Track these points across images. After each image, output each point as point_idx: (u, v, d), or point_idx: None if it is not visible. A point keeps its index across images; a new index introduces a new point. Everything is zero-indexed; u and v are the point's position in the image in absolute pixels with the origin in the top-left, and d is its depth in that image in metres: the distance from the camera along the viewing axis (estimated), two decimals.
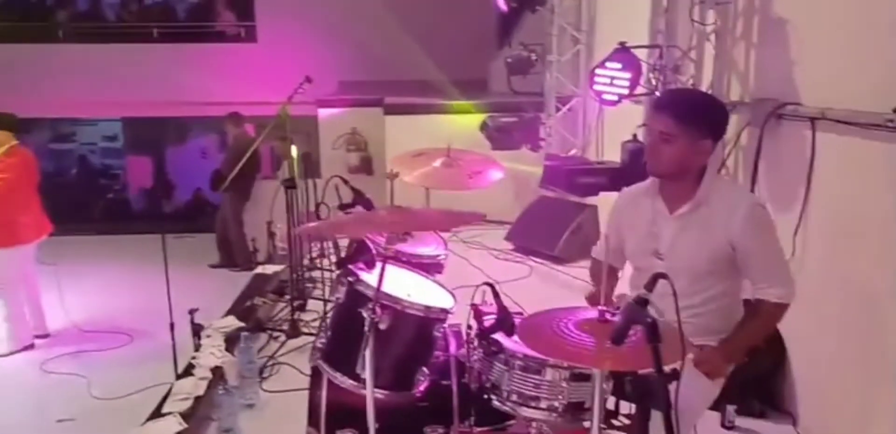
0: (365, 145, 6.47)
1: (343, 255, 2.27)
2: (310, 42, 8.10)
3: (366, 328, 1.79)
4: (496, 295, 1.92)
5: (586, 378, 1.77)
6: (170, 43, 9.11)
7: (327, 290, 3.50)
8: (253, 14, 9.16)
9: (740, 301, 2.00)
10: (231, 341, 3.17)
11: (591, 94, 4.16)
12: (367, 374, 1.79)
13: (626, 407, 1.91)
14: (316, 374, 2.08)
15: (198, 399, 2.70)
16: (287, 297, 3.72)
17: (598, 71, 3.76)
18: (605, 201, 4.11)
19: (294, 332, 3.41)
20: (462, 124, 5.61)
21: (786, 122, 2.77)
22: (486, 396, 1.89)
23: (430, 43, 7.28)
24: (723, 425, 2.62)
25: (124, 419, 2.89)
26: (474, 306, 2.01)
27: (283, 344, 3.32)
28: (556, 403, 1.80)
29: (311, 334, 3.33)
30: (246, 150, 4.80)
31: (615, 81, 3.65)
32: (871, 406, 2.31)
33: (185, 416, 2.56)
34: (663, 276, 1.36)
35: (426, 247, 2.79)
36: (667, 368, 1.33)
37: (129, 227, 8.31)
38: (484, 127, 5.32)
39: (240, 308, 3.68)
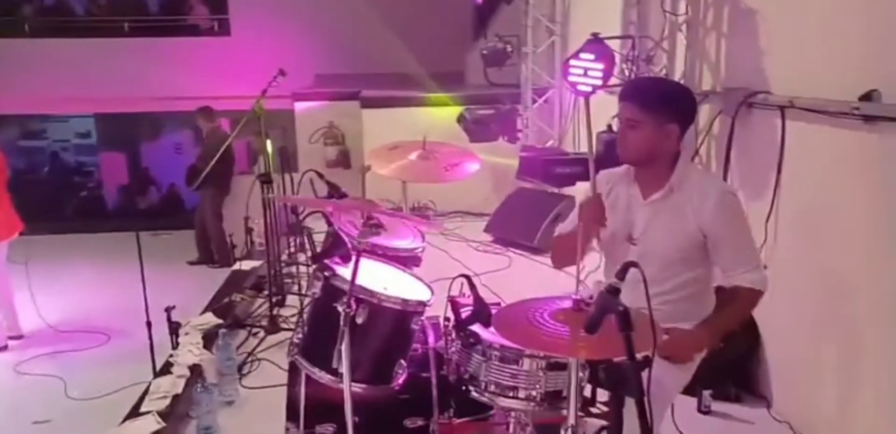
0: (342, 139, 6.43)
1: (318, 249, 2.25)
2: (285, 35, 8.02)
3: (342, 323, 1.78)
4: (472, 287, 1.93)
5: (563, 367, 1.79)
6: (142, 37, 8.96)
7: (306, 284, 3.48)
8: (226, 7, 9.02)
9: (711, 288, 2.03)
10: (209, 338, 3.15)
11: (566, 85, 4.17)
12: (344, 369, 1.79)
13: (603, 394, 1.93)
14: (294, 370, 2.08)
15: (176, 397, 2.68)
16: (266, 292, 3.70)
17: (571, 62, 3.74)
18: (582, 191, 4.13)
19: (273, 327, 3.40)
20: (439, 117, 5.60)
21: (756, 110, 2.81)
22: (464, 388, 1.90)
23: (407, 35, 7.24)
24: (699, 410, 2.66)
25: (102, 419, 2.86)
26: (451, 298, 2.02)
27: (262, 340, 3.31)
28: (534, 393, 1.82)
29: (290, 330, 3.31)
30: (221, 145, 4.74)
31: (589, 72, 3.63)
32: (842, 388, 2.36)
33: (164, 414, 2.54)
34: (634, 264, 1.37)
35: (403, 240, 2.78)
36: (639, 356, 1.34)
37: (104, 225, 8.18)
38: (461, 119, 5.32)
39: (217, 305, 3.65)
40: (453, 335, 2.00)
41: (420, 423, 2.04)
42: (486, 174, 5.38)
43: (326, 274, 1.97)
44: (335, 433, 2.01)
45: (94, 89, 8.31)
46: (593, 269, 2.50)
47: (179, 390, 2.73)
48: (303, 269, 3.87)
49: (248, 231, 4.47)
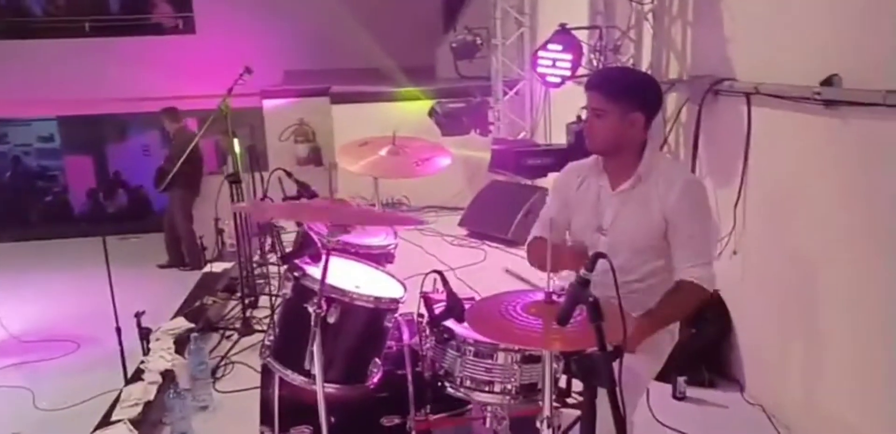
0: (313, 136, 6.36)
1: (289, 249, 2.21)
2: (252, 32, 7.90)
3: (313, 323, 1.75)
4: (445, 282, 1.91)
5: (537, 359, 1.79)
6: (103, 37, 8.74)
7: (278, 285, 3.43)
8: (190, 4, 8.85)
9: None
10: (181, 343, 3.09)
11: (536, 76, 4.17)
12: (317, 370, 1.76)
13: (579, 385, 1.93)
14: (267, 372, 2.04)
15: (148, 404, 2.63)
16: (238, 294, 3.64)
17: (540, 53, 3.77)
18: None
19: (247, 330, 3.34)
20: (411, 111, 5.57)
21: (722, 97, 2.83)
22: (440, 384, 1.89)
23: (376, 30, 7.17)
24: (674, 396, 2.68)
25: (72, 430, 2.80)
26: (424, 295, 2.00)
27: (235, 343, 3.25)
28: (510, 386, 1.82)
29: (264, 331, 3.26)
30: (188, 145, 4.65)
31: (557, 63, 3.66)
32: (810, 371, 2.40)
33: (136, 422, 2.49)
34: (602, 255, 1.37)
35: (375, 237, 2.75)
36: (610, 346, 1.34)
37: (71, 230, 8.00)
38: (432, 113, 5.29)
39: (189, 308, 3.58)
40: (427, 331, 1.98)
41: (397, 421, 2.02)
42: (458, 168, 5.37)
43: (296, 274, 1.94)
44: None
45: (55, 92, 8.11)
46: None
47: (151, 397, 2.67)
48: (275, 269, 3.81)
49: (219, 232, 4.39)
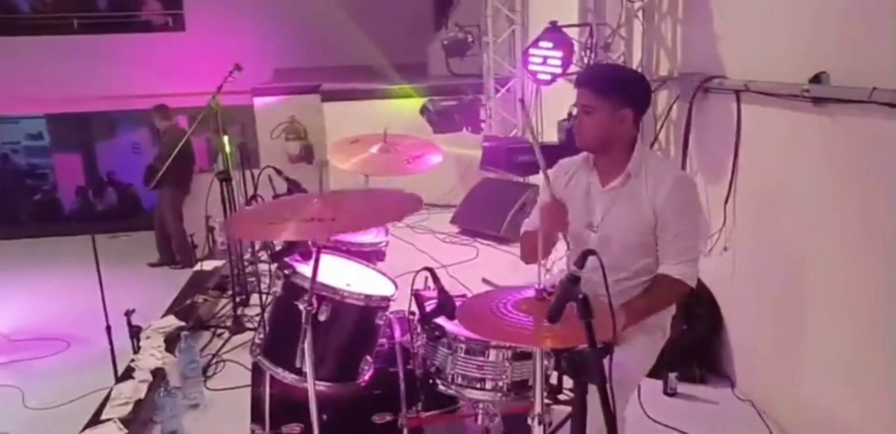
0: (304, 134, 6.33)
1: (278, 247, 2.20)
2: (242, 29, 7.86)
3: (303, 321, 1.75)
4: (436, 279, 1.91)
5: (528, 356, 1.79)
6: (92, 34, 8.66)
7: (269, 283, 3.42)
8: (180, 2, 8.78)
9: None
10: (171, 341, 3.08)
11: (526, 74, 4.17)
12: (308, 368, 1.76)
13: (570, 381, 1.94)
14: (257, 370, 2.04)
15: (139, 403, 2.61)
16: (229, 292, 3.63)
17: (531, 51, 3.77)
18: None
19: (238, 327, 3.33)
20: (402, 108, 5.56)
21: (712, 95, 2.84)
22: (431, 381, 1.89)
23: (367, 27, 7.16)
24: (665, 392, 2.70)
25: (62, 429, 2.77)
26: (416, 292, 2.00)
27: (227, 341, 3.24)
28: (501, 383, 1.82)
29: (255, 329, 3.26)
30: (178, 143, 4.62)
31: (548, 61, 3.66)
32: (801, 366, 2.42)
33: (126, 421, 2.47)
34: (592, 252, 1.37)
35: (366, 234, 2.75)
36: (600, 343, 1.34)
37: (61, 229, 7.95)
38: (424, 111, 5.28)
39: (180, 307, 3.57)
40: (419, 329, 1.98)
41: (388, 418, 2.03)
42: (451, 165, 5.37)
43: (287, 272, 1.93)
44: (302, 433, 1.98)
45: (44, 89, 8.04)
46: (559, 258, 2.51)
47: (142, 395, 2.66)
48: (267, 267, 3.80)
49: (210, 230, 4.37)
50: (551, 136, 4.16)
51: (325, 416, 1.86)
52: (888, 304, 1.98)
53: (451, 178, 5.45)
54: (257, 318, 3.37)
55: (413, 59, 6.87)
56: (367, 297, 1.95)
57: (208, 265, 4.16)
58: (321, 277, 1.83)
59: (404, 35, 7.21)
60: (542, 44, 3.68)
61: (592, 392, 1.37)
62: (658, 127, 3.26)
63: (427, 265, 1.94)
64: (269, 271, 3.10)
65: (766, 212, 2.59)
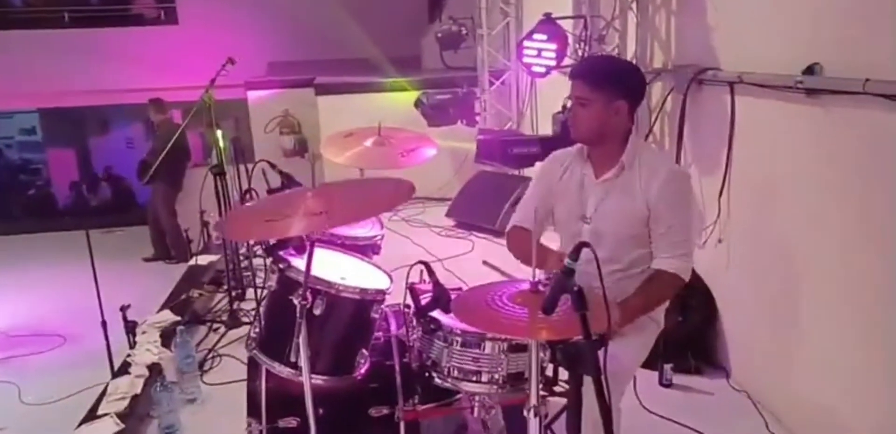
0: (299, 127, 6.31)
1: (272, 242, 2.20)
2: (235, 23, 7.81)
3: (298, 315, 1.75)
4: (431, 272, 1.91)
5: (524, 348, 1.79)
6: (84, 28, 8.60)
7: (264, 277, 3.41)
8: None
9: None
10: (167, 336, 3.07)
11: (521, 66, 4.16)
12: (303, 362, 1.76)
13: (566, 373, 1.95)
14: (253, 365, 2.03)
15: (135, 398, 2.61)
16: (225, 287, 3.62)
17: (525, 43, 3.76)
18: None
19: (234, 322, 3.34)
20: (397, 102, 5.54)
21: (706, 87, 2.84)
22: (427, 374, 1.89)
23: (361, 20, 7.11)
24: (660, 383, 2.71)
25: (58, 424, 2.78)
26: (411, 285, 2.00)
27: (223, 335, 3.25)
28: (497, 375, 1.82)
29: (251, 324, 3.25)
30: (171, 137, 4.60)
31: (542, 53, 3.65)
32: (795, 357, 2.43)
33: (122, 416, 2.48)
34: (586, 244, 1.37)
35: (361, 228, 2.75)
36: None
37: (55, 224, 7.92)
38: (419, 104, 5.27)
39: (175, 301, 3.56)
40: (414, 322, 1.98)
41: (385, 411, 2.02)
42: (446, 159, 5.36)
43: (281, 266, 1.93)
44: (298, 426, 1.98)
45: (36, 84, 7.99)
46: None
47: (138, 390, 2.66)
48: (262, 261, 3.79)
49: (204, 225, 4.36)
50: (546, 128, 4.16)
51: (321, 410, 1.86)
52: (884, 296, 1.99)
53: (446, 171, 5.45)
54: (253, 313, 3.37)
55: (407, 52, 6.84)
56: (363, 290, 1.94)
57: (203, 260, 4.16)
58: (316, 271, 1.83)
59: (398, 28, 7.17)
60: (536, 36, 3.67)
61: (588, 384, 1.38)
62: (652, 119, 3.26)
63: (422, 259, 1.94)
64: (265, 265, 3.11)
65: (760, 203, 2.60)
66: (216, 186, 3.41)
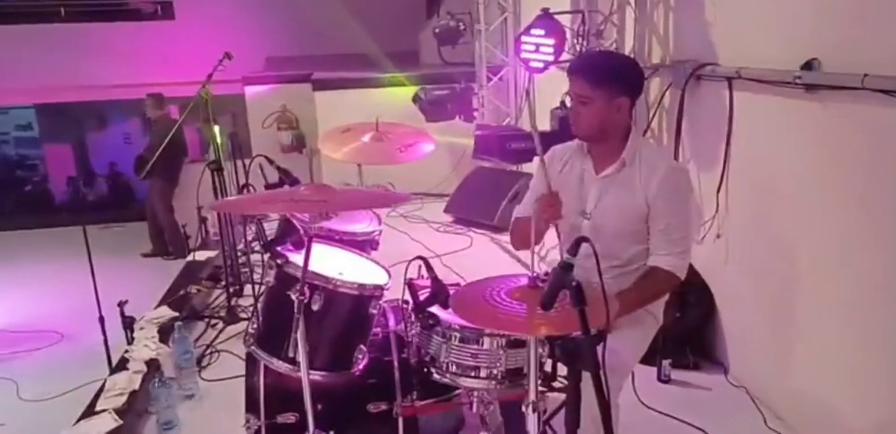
0: (296, 123, 6.29)
1: (270, 237, 2.19)
2: (232, 17, 7.77)
3: (296, 310, 1.75)
4: (429, 268, 1.91)
5: (522, 344, 1.79)
6: (80, 23, 8.55)
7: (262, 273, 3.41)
8: None
9: None
10: (165, 332, 3.07)
11: (519, 62, 4.15)
12: (301, 358, 1.76)
13: (564, 369, 1.95)
14: (251, 360, 2.04)
15: (133, 394, 2.61)
16: (223, 282, 3.62)
17: (523, 38, 3.75)
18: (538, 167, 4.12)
19: (232, 318, 3.33)
20: (395, 97, 5.53)
21: (704, 82, 2.83)
22: (425, 370, 1.89)
23: (359, 15, 7.08)
24: (659, 379, 2.72)
25: (57, 420, 2.76)
26: (409, 281, 2.00)
27: (221, 331, 3.24)
28: (495, 371, 1.82)
29: (249, 319, 3.25)
30: (168, 133, 4.58)
31: (540, 48, 3.64)
32: (794, 353, 2.44)
33: (120, 411, 2.47)
34: (585, 239, 1.37)
35: (359, 223, 2.75)
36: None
37: (52, 220, 7.90)
38: (417, 99, 5.26)
39: (173, 297, 3.56)
40: (413, 318, 1.98)
41: (383, 407, 2.03)
42: (444, 154, 5.35)
43: (279, 262, 1.93)
44: (297, 422, 1.98)
45: (32, 79, 7.95)
46: (553, 246, 2.51)
47: (136, 386, 2.66)
48: (260, 257, 3.79)
49: (202, 221, 4.34)
50: (544, 124, 4.15)
51: (319, 406, 1.87)
52: (882, 291, 1.99)
53: (444, 166, 5.44)
54: (251, 309, 3.37)
55: (405, 47, 6.82)
56: (361, 286, 1.94)
57: (201, 256, 4.15)
58: (314, 267, 1.83)
59: (396, 23, 7.15)
60: (534, 31, 3.66)
61: (586, 379, 1.37)
62: (650, 114, 3.25)
63: (421, 254, 1.93)
64: (263, 261, 3.10)
65: (758, 198, 2.59)
66: (213, 182, 3.40)
